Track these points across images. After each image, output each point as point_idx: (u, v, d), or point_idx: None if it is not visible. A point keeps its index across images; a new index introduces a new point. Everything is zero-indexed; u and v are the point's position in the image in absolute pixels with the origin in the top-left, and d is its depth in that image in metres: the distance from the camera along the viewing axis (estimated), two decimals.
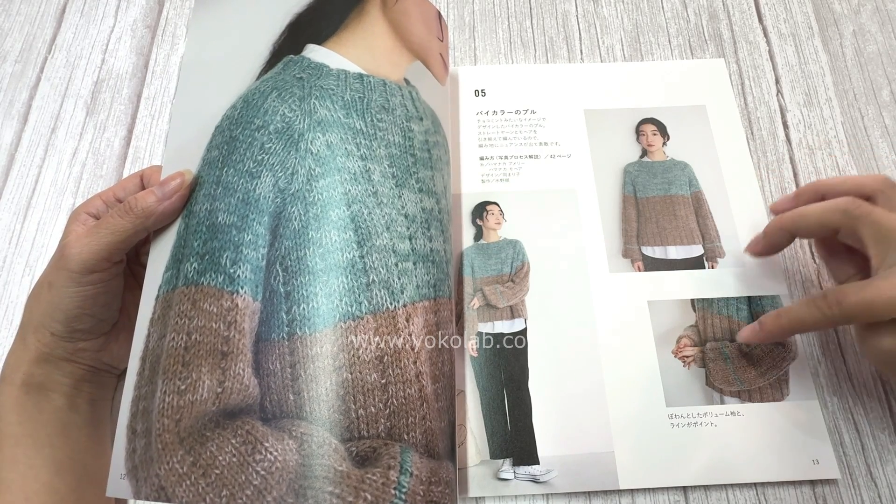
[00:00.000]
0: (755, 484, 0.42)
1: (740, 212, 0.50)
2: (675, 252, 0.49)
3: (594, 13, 0.60)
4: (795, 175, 0.52)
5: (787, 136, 0.54)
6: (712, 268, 0.49)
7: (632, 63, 0.58)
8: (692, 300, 0.47)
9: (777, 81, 0.57)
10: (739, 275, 0.48)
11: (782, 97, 0.56)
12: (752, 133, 0.54)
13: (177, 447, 0.32)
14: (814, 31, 0.59)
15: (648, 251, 0.49)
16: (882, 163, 0.52)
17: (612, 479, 0.42)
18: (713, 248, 0.49)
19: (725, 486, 0.42)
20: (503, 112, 0.55)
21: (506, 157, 0.53)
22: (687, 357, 0.45)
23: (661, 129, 0.54)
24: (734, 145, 0.53)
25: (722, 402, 0.44)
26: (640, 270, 0.49)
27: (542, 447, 0.43)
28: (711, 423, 0.43)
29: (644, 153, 0.53)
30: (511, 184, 0.52)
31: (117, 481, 0.34)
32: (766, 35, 0.59)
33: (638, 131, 0.54)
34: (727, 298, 0.47)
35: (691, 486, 0.42)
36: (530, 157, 0.53)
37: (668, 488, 0.42)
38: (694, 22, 0.60)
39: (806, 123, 0.54)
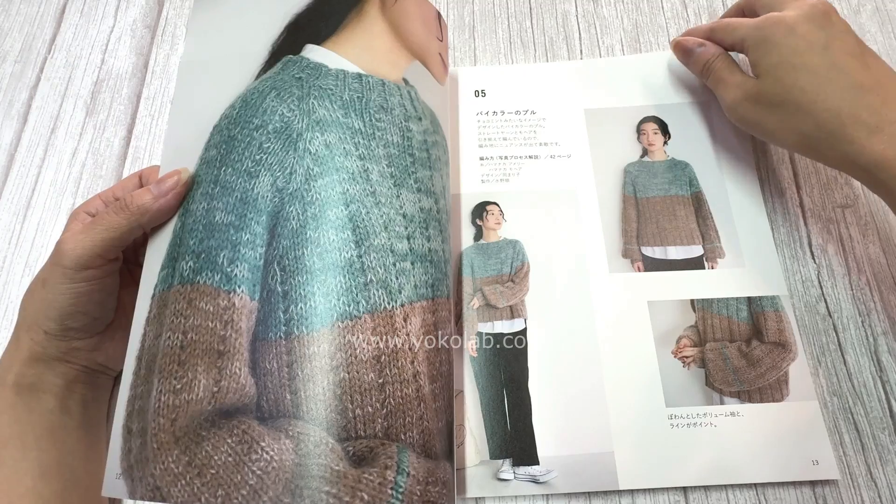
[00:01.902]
0: (755, 484, 0.42)
1: (740, 212, 0.50)
2: (674, 252, 0.49)
3: (594, 13, 0.60)
4: (795, 175, 0.52)
5: None
6: (712, 268, 0.48)
7: (634, 56, 0.57)
8: (692, 300, 0.47)
9: None
10: (739, 275, 0.48)
11: None
12: None
13: (172, 447, 0.32)
14: None
15: (648, 251, 0.49)
16: None
17: (611, 479, 0.42)
18: (713, 249, 0.49)
19: (725, 486, 0.42)
20: (503, 112, 0.55)
21: (506, 158, 0.53)
22: (687, 357, 0.45)
23: (663, 128, 0.54)
24: (736, 144, 0.53)
25: (722, 403, 0.44)
26: (639, 271, 0.48)
27: (542, 447, 0.43)
28: (711, 424, 0.43)
29: (645, 153, 0.53)
30: (511, 184, 0.52)
31: (113, 481, 0.34)
32: None
33: (639, 130, 0.54)
34: (727, 299, 0.47)
35: (691, 487, 0.42)
36: (530, 157, 0.53)
37: (667, 489, 0.42)
38: (694, 22, 0.59)
39: None
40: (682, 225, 0.50)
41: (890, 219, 0.50)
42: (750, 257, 0.48)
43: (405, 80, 0.45)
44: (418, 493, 0.34)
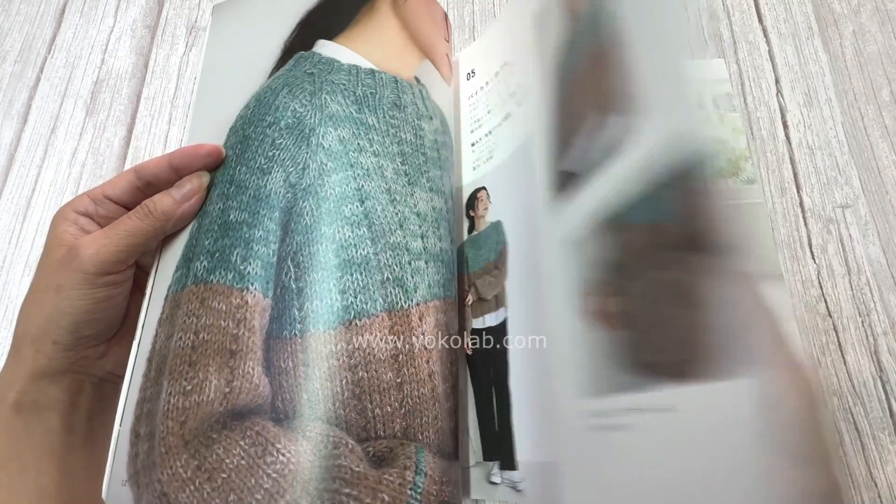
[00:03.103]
0: None
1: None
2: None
3: None
4: (795, 175, 0.52)
5: (787, 136, 0.54)
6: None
7: None
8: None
9: (777, 81, 0.57)
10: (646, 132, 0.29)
11: (782, 97, 0.56)
12: (752, 133, 0.54)
13: (181, 450, 0.31)
14: (814, 31, 0.59)
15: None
16: (882, 163, 0.53)
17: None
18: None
19: None
20: (487, 84, 0.48)
21: (489, 133, 0.47)
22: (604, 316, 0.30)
23: None
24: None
25: (651, 389, 0.26)
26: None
27: (521, 451, 0.36)
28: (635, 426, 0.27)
29: None
30: (494, 160, 0.45)
31: (118, 488, 0.32)
32: (765, 35, 0.59)
33: None
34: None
35: None
36: (505, 118, 0.45)
37: None
38: (693, 22, 0.60)
39: (806, 123, 0.55)
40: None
41: (890, 219, 0.50)
42: (658, 105, 0.29)
43: (416, 79, 0.45)
44: (434, 493, 0.33)
